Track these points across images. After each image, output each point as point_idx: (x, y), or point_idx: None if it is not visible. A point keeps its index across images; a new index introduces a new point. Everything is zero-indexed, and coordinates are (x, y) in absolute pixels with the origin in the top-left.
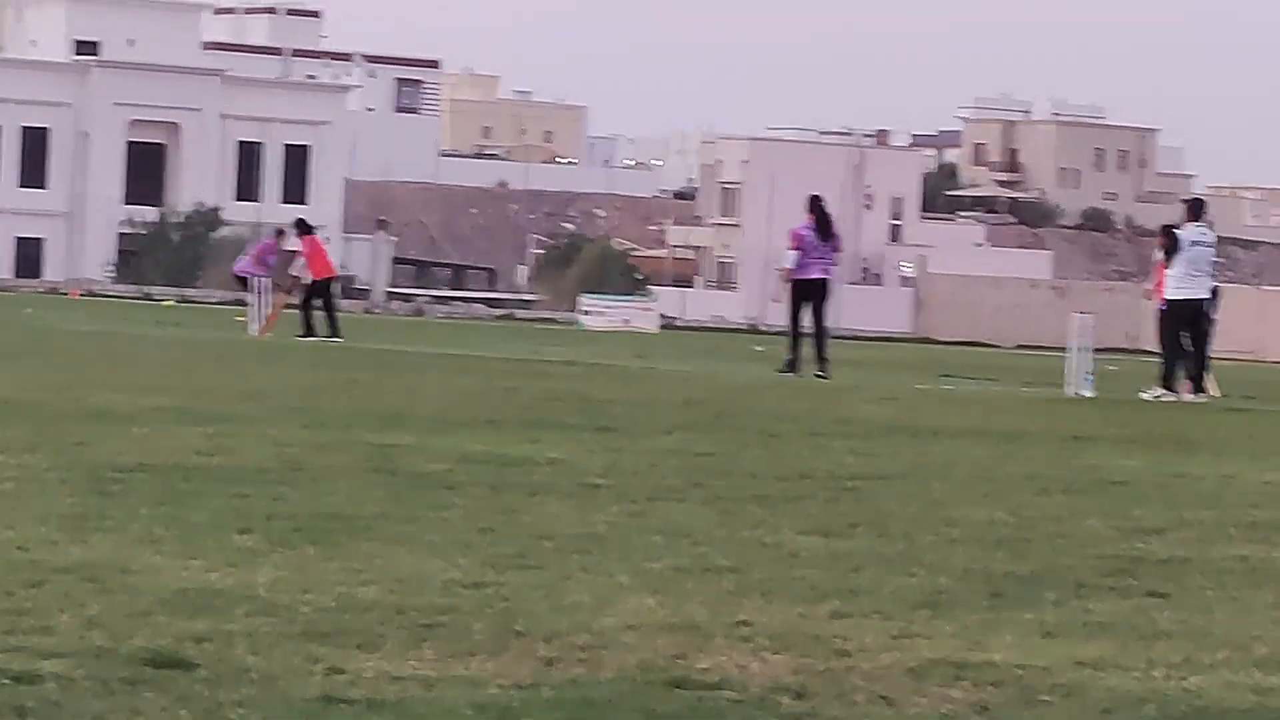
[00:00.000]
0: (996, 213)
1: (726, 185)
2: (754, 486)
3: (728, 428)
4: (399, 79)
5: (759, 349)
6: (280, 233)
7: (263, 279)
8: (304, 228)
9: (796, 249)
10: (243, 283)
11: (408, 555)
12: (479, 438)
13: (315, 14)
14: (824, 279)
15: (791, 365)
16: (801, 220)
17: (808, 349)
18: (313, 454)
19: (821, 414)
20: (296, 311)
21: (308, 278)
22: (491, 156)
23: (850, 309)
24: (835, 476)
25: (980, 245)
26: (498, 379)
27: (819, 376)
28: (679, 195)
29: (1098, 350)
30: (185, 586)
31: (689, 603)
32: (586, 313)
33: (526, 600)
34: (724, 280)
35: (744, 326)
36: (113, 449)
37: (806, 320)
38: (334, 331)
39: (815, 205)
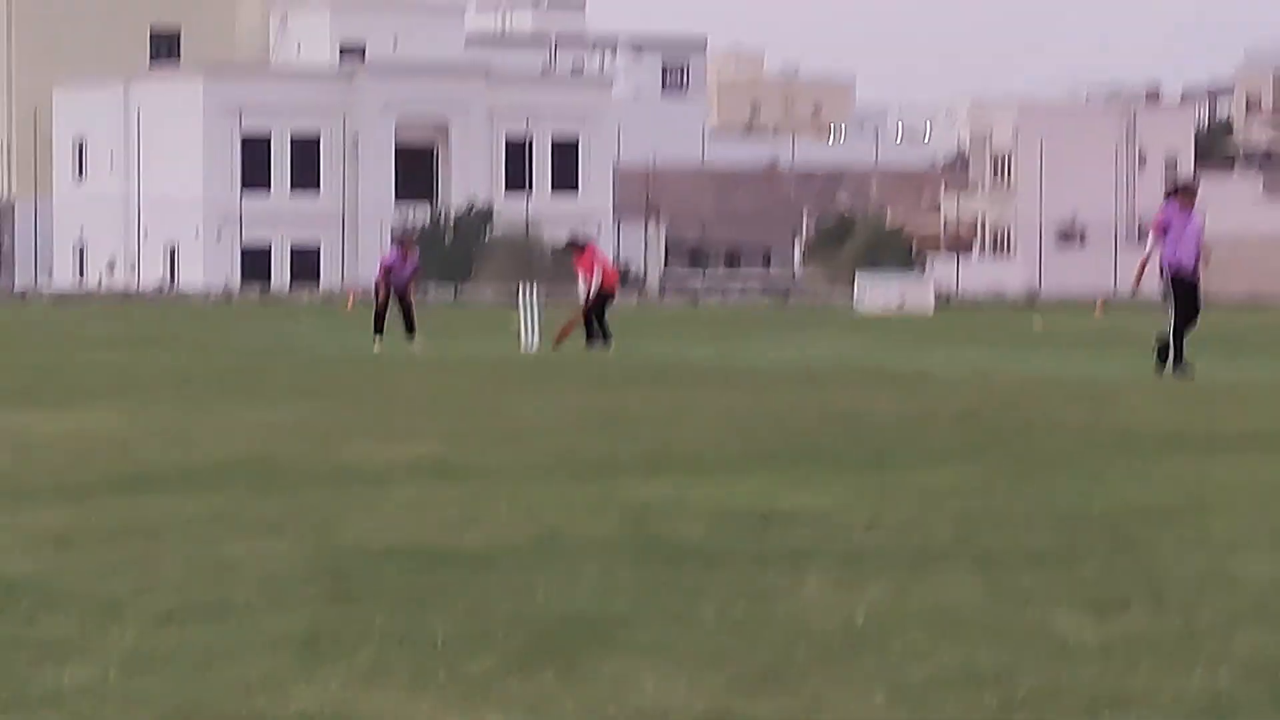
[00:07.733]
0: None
1: (998, 152)
2: (1027, 541)
3: (1000, 454)
4: (664, 62)
5: (1038, 330)
6: (403, 243)
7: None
8: (579, 244)
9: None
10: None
11: (652, 674)
12: (743, 485)
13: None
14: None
15: None
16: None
17: None
18: (566, 521)
19: (1101, 425)
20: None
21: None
22: (760, 135)
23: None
24: (1110, 520)
25: (1258, 203)
26: (767, 395)
27: None
28: (950, 166)
29: None
30: None
31: None
32: (862, 294)
33: None
34: (1000, 249)
35: (1022, 297)
36: (360, 527)
37: None
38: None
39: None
